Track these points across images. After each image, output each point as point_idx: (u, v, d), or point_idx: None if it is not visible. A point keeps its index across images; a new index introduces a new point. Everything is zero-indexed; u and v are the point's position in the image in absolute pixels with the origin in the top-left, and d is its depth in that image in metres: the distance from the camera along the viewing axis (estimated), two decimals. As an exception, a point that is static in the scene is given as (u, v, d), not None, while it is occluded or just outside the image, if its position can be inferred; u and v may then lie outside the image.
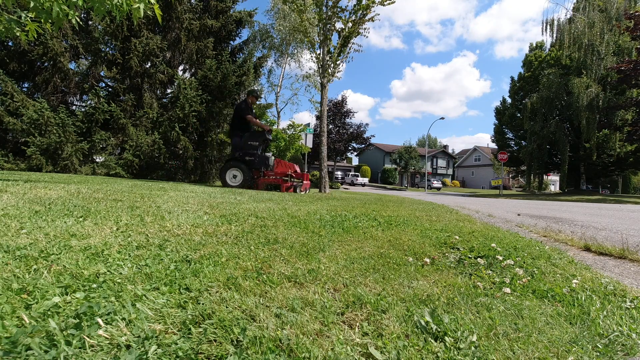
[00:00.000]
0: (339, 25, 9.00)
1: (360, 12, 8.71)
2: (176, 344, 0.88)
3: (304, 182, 8.49)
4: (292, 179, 8.19)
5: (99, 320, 0.93)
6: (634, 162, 23.62)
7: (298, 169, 8.58)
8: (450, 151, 63.20)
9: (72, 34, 11.32)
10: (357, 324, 1.10)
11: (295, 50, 20.31)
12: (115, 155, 11.59)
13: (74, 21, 3.42)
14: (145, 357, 0.82)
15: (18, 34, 3.65)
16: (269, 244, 2.04)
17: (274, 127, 10.38)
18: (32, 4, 3.24)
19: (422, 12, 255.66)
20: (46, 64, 10.95)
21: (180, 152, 12.02)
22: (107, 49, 12.13)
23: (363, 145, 37.84)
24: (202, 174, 12.99)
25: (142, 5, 3.33)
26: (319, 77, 9.68)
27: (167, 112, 12.18)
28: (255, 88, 7.57)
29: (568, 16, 22.02)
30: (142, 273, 1.35)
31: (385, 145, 51.95)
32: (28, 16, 3.63)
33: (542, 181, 31.23)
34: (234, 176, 7.85)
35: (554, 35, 23.13)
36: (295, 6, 9.05)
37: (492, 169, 48.94)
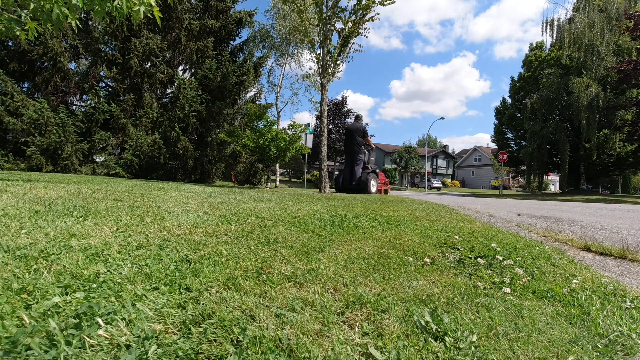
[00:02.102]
0: (339, 25, 9.01)
1: (360, 12, 8.70)
2: (176, 344, 0.88)
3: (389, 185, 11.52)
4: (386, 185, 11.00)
5: (99, 320, 0.93)
6: (634, 162, 23.60)
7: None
8: (450, 151, 63.16)
9: (72, 34, 11.33)
10: (357, 324, 1.10)
11: (295, 50, 20.30)
12: (115, 155, 11.60)
13: (73, 23, 3.42)
14: (145, 357, 0.82)
15: (18, 33, 3.65)
16: (269, 244, 2.04)
17: (274, 127, 10.43)
18: (32, 6, 3.24)
19: (421, 12, 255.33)
20: (46, 64, 10.96)
21: (180, 152, 12.03)
22: (107, 49, 12.15)
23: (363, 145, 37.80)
24: (202, 173, 13.00)
25: (142, 8, 3.33)
26: (319, 77, 9.68)
27: (167, 112, 12.19)
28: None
29: (568, 16, 22.01)
30: (142, 273, 1.35)
31: (385, 145, 51.89)
32: (28, 16, 3.63)
33: (542, 181, 31.19)
34: (373, 185, 9.74)
35: (554, 35, 23.11)
36: (295, 6, 9.05)
37: (492, 169, 48.91)
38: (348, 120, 33.05)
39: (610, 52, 20.31)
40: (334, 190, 10.67)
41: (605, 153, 23.97)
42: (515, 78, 29.68)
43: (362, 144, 9.58)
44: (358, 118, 10.15)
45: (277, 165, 18.81)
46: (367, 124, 33.77)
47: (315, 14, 9.10)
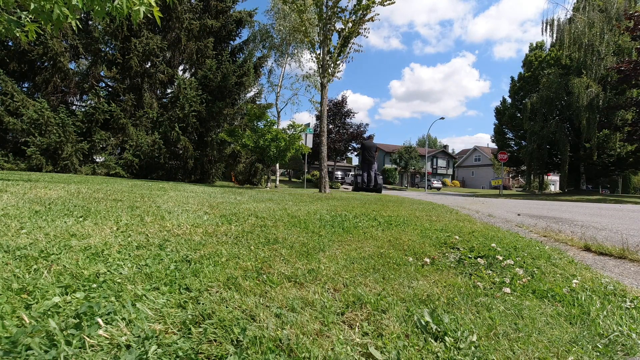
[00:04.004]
0: (339, 25, 9.01)
1: (360, 12, 8.70)
2: (176, 344, 0.88)
3: None
4: None
5: (99, 320, 0.93)
6: (634, 162, 23.57)
7: None
8: (450, 151, 63.11)
9: (72, 34, 11.32)
10: (357, 324, 1.10)
11: (296, 50, 20.27)
12: (115, 155, 11.60)
13: (73, 23, 3.42)
14: (145, 357, 0.82)
15: (18, 34, 3.65)
16: (269, 244, 2.04)
17: (274, 127, 10.46)
18: (32, 6, 3.24)
19: (421, 13, 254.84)
20: (46, 64, 10.95)
21: (180, 152, 12.03)
22: (107, 49, 12.14)
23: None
24: (202, 173, 12.99)
25: (142, 8, 3.32)
26: (319, 77, 9.70)
27: (167, 112, 12.18)
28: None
29: (568, 16, 22.00)
30: (142, 273, 1.36)
31: (385, 145, 51.86)
32: (28, 17, 3.63)
33: (542, 181, 31.16)
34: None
35: (554, 35, 23.08)
36: (295, 6, 9.05)
37: (492, 169, 48.87)
38: (348, 120, 33.27)
39: (610, 52, 20.29)
40: (350, 189, 13.99)
41: (606, 153, 23.95)
42: (515, 78, 29.65)
43: (374, 157, 13.62)
44: (370, 137, 14.59)
45: (277, 165, 18.82)
46: (367, 124, 34.59)
47: (315, 14, 9.10)
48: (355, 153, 41.44)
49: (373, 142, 14.04)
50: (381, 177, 13.60)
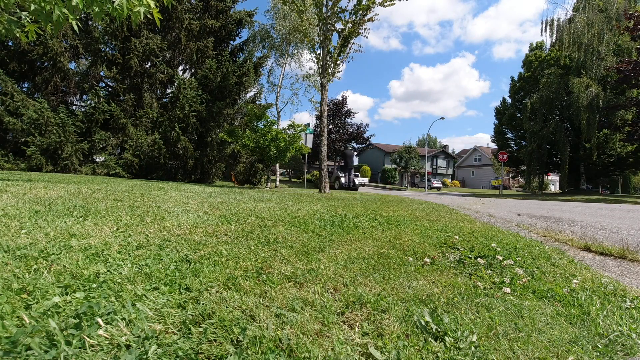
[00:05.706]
0: (338, 25, 9.01)
1: (360, 12, 8.71)
2: (176, 343, 0.88)
3: None
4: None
5: (99, 320, 0.93)
6: (634, 162, 23.57)
7: None
8: (450, 151, 63.11)
9: (72, 34, 11.32)
10: (357, 324, 1.10)
11: (295, 50, 20.27)
12: (115, 155, 11.59)
13: (74, 24, 3.41)
14: (145, 357, 0.82)
15: (18, 34, 3.64)
16: (269, 244, 2.04)
17: (274, 127, 10.48)
18: (32, 7, 3.23)
19: (420, 13, 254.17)
20: (46, 64, 10.95)
21: (180, 152, 12.02)
22: (107, 49, 12.13)
23: (363, 145, 38.00)
24: (202, 173, 12.99)
25: (142, 9, 3.32)
26: (319, 77, 9.71)
27: (167, 112, 12.18)
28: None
29: (568, 16, 22.03)
30: (142, 273, 1.36)
31: (385, 145, 51.84)
32: (28, 17, 3.63)
33: (542, 181, 31.15)
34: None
35: (554, 35, 23.10)
36: (295, 6, 9.05)
37: (492, 169, 48.85)
38: (348, 120, 33.45)
39: (610, 52, 20.31)
40: (335, 188, 16.94)
41: (606, 153, 23.94)
42: (515, 78, 29.68)
43: (352, 163, 17.37)
44: (351, 148, 19.22)
45: (277, 165, 18.83)
46: (367, 124, 35.38)
47: (315, 14, 9.10)
48: (356, 153, 41.58)
49: (352, 152, 19.22)
50: (357, 179, 18.25)
